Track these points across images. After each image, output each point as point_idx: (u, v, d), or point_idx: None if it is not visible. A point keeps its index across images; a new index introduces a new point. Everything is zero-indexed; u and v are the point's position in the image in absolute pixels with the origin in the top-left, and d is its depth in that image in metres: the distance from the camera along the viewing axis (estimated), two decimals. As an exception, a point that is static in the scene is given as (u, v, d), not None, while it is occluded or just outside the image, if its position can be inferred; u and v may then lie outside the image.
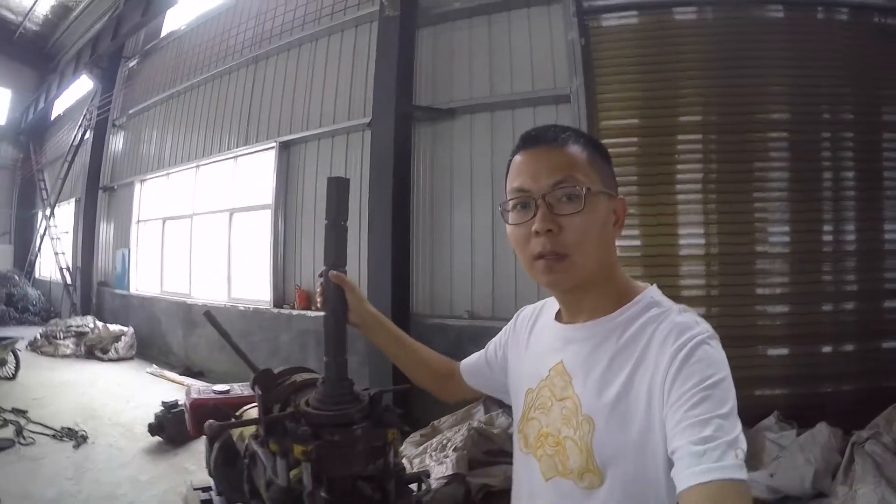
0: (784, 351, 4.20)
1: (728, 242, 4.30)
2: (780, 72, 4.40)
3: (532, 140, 0.98)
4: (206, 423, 1.18)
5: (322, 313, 1.30)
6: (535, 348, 1.11)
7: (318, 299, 1.35)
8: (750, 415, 3.66)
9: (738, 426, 0.74)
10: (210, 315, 1.51)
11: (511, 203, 0.98)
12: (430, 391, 1.35)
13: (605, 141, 4.48)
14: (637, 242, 4.41)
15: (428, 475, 1.33)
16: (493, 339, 1.27)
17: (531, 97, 5.07)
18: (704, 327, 0.86)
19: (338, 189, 1.26)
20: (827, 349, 4.23)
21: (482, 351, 1.30)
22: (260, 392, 1.30)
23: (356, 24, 6.41)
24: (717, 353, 0.82)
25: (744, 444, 0.72)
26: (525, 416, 1.05)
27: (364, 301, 1.29)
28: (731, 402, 0.76)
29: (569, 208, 0.91)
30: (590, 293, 0.97)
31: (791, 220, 4.28)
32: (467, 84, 5.48)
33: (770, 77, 4.40)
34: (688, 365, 0.79)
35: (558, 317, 1.07)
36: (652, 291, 0.98)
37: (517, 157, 1.00)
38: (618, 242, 3.67)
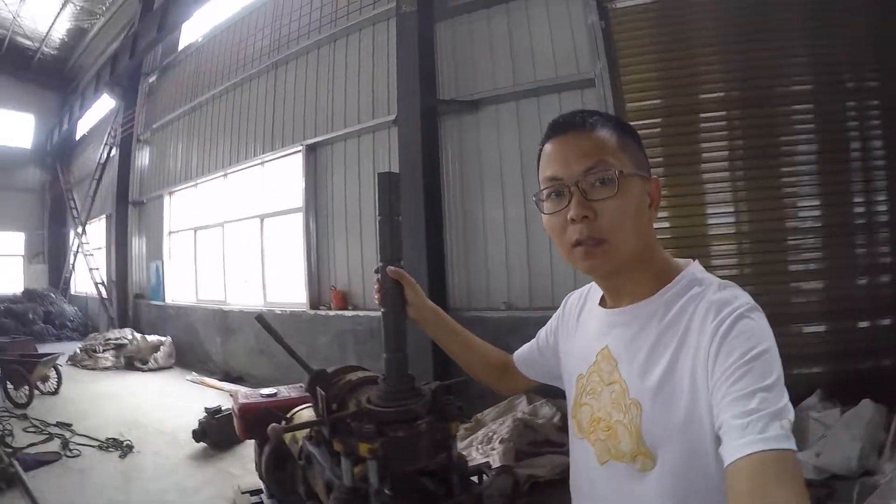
0: (821, 328, 4.12)
1: (758, 220, 4.25)
2: (801, 42, 4.30)
3: (560, 127, 0.98)
4: (270, 426, 1.17)
5: (361, 314, 1.29)
6: (582, 334, 1.11)
7: (376, 296, 1.35)
8: (792, 394, 3.60)
9: (784, 397, 0.73)
10: (262, 318, 1.53)
11: (545, 192, 0.97)
12: (487, 384, 1.36)
13: (631, 123, 4.50)
14: (666, 224, 4.39)
15: (489, 467, 1.32)
16: (544, 327, 1.28)
17: (555, 83, 5.03)
18: (744, 300, 0.85)
19: (389, 183, 1.25)
20: (864, 324, 4.13)
21: (533, 340, 1.30)
22: (323, 392, 1.29)
23: (373, 23, 6.43)
24: (757, 324, 0.81)
25: (790, 414, 0.71)
26: (577, 402, 1.06)
27: (422, 296, 1.29)
28: (775, 373, 0.75)
29: (602, 193, 0.90)
30: (630, 276, 0.97)
31: (820, 193, 4.19)
32: (490, 74, 5.45)
33: (791, 48, 4.31)
34: (728, 340, 0.79)
35: (602, 302, 1.07)
36: (693, 269, 0.96)
37: (547, 146, 0.99)
38: (647, 224, 3.38)
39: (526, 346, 1.32)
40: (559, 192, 0.95)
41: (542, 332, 1.29)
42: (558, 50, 5.08)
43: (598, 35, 4.68)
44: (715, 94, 4.44)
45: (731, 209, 4.32)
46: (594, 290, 1.13)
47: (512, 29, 5.38)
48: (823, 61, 4.27)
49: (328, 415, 1.22)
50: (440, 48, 5.74)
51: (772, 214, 4.23)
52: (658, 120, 4.57)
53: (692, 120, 4.47)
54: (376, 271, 1.26)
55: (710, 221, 4.34)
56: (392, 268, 1.23)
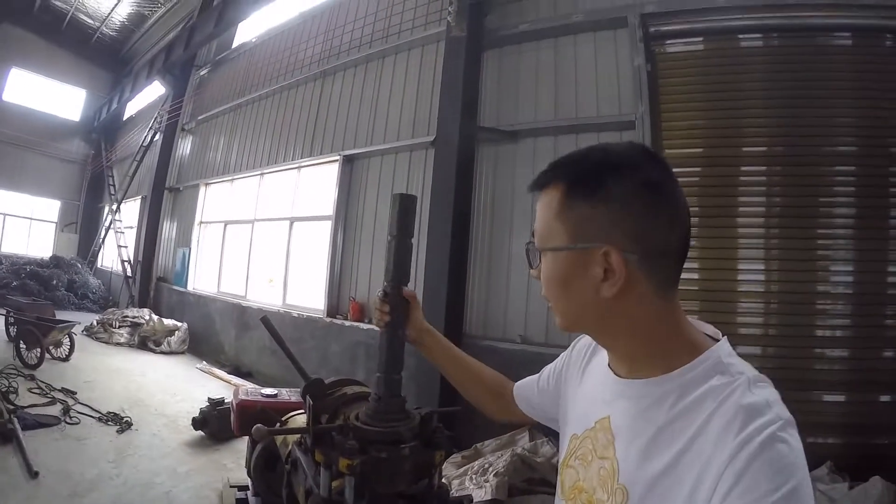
0: (841, 398, 4.00)
1: (789, 280, 4.14)
2: (848, 102, 4.25)
3: (531, 186, 0.95)
4: (255, 427, 1.17)
5: (376, 328, 1.28)
6: (586, 390, 1.03)
7: (376, 316, 1.35)
8: None
9: None
10: (267, 320, 1.56)
11: None
12: (482, 410, 1.33)
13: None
14: (695, 276, 4.31)
15: (471, 500, 1.31)
16: (549, 365, 1.21)
17: (596, 122, 5.00)
18: (777, 412, 0.71)
19: (405, 205, 1.25)
20: (886, 398, 3.98)
21: (536, 375, 1.24)
22: (311, 402, 1.29)
23: (423, 44, 6.52)
24: (791, 451, 0.67)
25: None
26: (565, 462, 0.99)
27: (422, 318, 1.28)
28: None
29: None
30: (609, 343, 0.92)
31: (855, 259, 4.09)
32: (532, 107, 5.46)
33: (837, 108, 4.25)
34: (752, 468, 0.66)
35: (609, 361, 0.98)
36: (720, 350, 0.82)
37: None
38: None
39: (527, 380, 1.27)
40: None
41: (545, 372, 1.22)
42: (602, 89, 5.06)
43: (643, 78, 4.67)
44: (757, 149, 4.39)
45: (762, 266, 4.24)
46: None
47: (558, 64, 5.39)
48: (871, 124, 4.20)
49: (313, 424, 1.22)
50: (485, 75, 5.78)
51: (803, 276, 4.13)
52: (696, 169, 4.53)
53: (731, 172, 4.43)
54: (380, 292, 1.25)
55: (740, 277, 4.26)
56: (406, 289, 1.23)
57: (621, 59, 4.95)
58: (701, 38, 4.71)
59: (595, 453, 0.90)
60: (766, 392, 0.74)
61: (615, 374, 0.93)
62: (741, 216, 4.34)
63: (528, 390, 1.25)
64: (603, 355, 1.01)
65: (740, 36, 4.59)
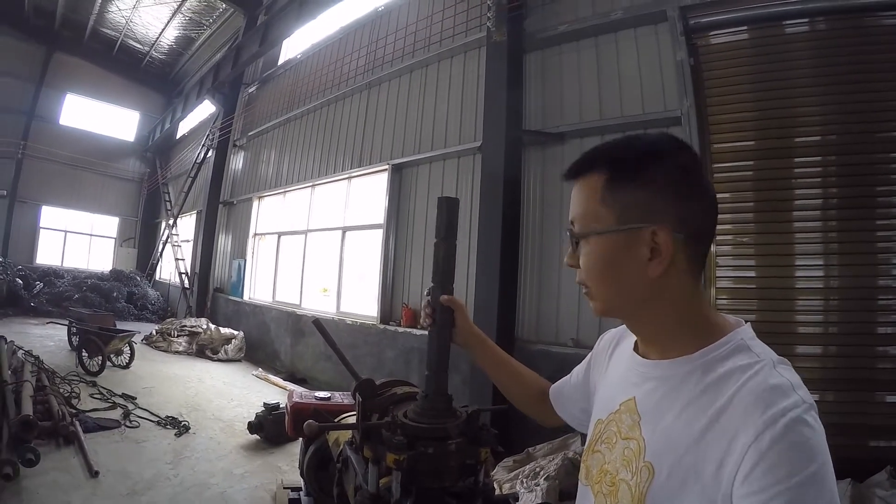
0: None
1: (849, 275, 3.93)
2: None
3: (565, 175, 0.97)
4: (306, 422, 1.22)
5: (427, 330, 1.31)
6: (612, 376, 1.05)
7: (426, 320, 1.41)
8: (861, 468, 3.30)
9: None
10: (319, 323, 1.62)
11: None
12: (526, 413, 1.35)
13: (717, 165, 4.40)
14: (751, 274, 4.18)
15: (516, 499, 1.33)
16: (578, 365, 1.23)
17: (642, 120, 4.90)
18: (801, 395, 0.72)
19: (448, 208, 1.30)
20: None
21: (568, 375, 1.26)
22: (361, 399, 1.34)
23: (465, 51, 6.60)
24: (814, 434, 0.68)
25: None
26: (591, 448, 1.00)
27: (469, 322, 1.32)
28: (826, 498, 0.65)
29: (578, 247, 0.93)
30: (644, 326, 0.93)
31: None
32: (577, 107, 5.44)
33: (890, 91, 4.02)
34: (776, 449, 0.67)
35: (636, 347, 1.00)
36: (742, 332, 0.85)
37: None
38: (731, 274, 3.48)
39: (560, 381, 1.29)
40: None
41: (575, 369, 1.24)
42: (646, 86, 5.00)
43: (687, 72, 4.59)
44: (809, 139, 4.21)
45: (821, 262, 4.03)
46: (629, 331, 1.05)
47: (600, 62, 5.35)
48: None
49: (362, 421, 1.27)
50: (528, 78, 5.80)
51: (863, 270, 3.92)
52: (747, 163, 4.40)
53: (784, 165, 4.26)
54: (427, 293, 1.31)
55: (798, 274, 4.08)
56: (445, 296, 1.27)
57: (664, 54, 4.88)
58: (744, 27, 4.55)
59: (619, 434, 0.92)
60: (790, 374, 0.77)
61: (642, 357, 0.96)
62: (796, 209, 4.16)
63: (561, 388, 1.28)
64: (628, 343, 1.04)
65: (784, 22, 4.42)
